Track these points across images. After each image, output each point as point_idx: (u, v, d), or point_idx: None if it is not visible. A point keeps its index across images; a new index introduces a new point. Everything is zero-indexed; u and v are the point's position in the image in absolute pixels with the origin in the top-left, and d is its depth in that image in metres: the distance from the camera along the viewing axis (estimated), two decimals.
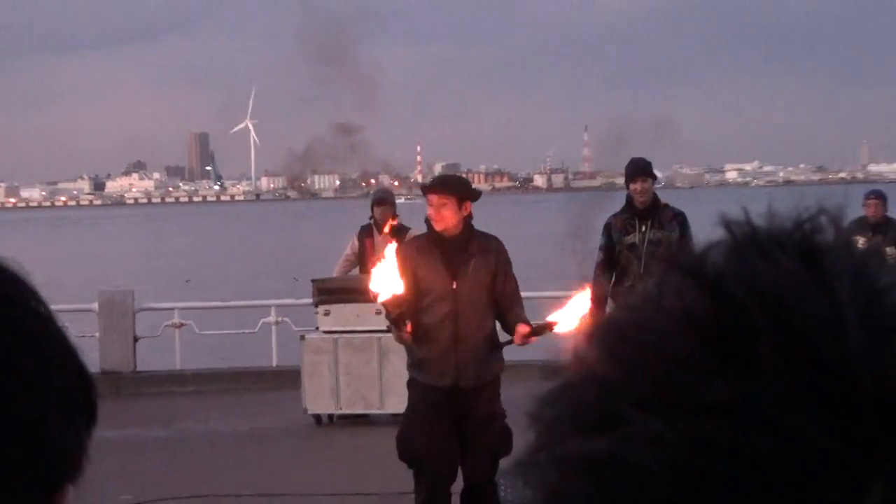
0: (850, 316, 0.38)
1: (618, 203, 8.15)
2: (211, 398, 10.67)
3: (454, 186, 5.67)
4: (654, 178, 8.08)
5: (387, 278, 5.35)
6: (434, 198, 5.47)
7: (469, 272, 5.44)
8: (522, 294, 5.94)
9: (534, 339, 5.42)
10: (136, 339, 11.51)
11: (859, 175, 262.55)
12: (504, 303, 5.57)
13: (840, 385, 0.37)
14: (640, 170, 7.82)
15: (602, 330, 0.43)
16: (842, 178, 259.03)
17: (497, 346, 5.62)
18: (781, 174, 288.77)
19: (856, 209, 9.21)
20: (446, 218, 5.43)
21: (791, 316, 0.38)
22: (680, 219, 7.83)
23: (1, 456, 0.65)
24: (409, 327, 5.35)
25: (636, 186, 7.70)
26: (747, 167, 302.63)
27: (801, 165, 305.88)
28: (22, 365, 0.67)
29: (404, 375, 5.94)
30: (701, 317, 0.39)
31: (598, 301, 6.34)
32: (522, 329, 5.43)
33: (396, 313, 5.36)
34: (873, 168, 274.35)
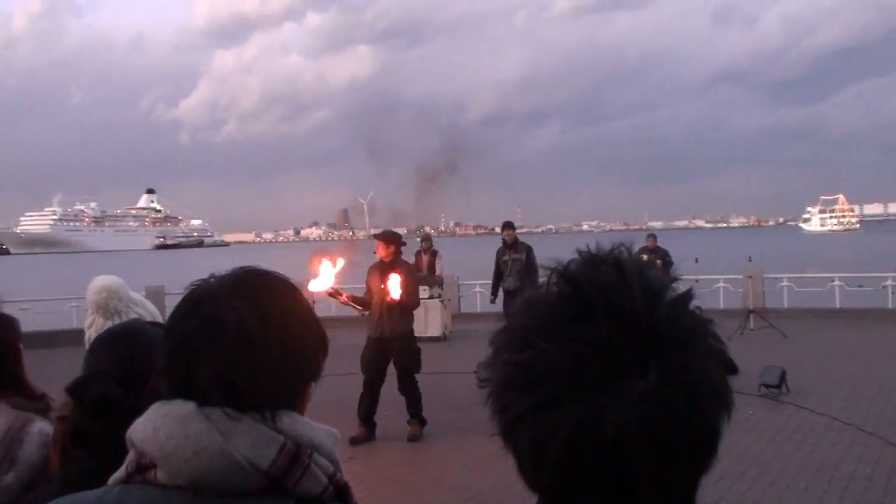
0: (636, 290, 0.87)
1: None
2: None
3: (388, 237, 9.86)
4: (514, 228, 14.94)
5: (323, 280, 8.75)
6: (378, 243, 9.85)
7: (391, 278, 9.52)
8: None
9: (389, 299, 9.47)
10: None
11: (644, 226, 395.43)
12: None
13: (633, 322, 0.85)
14: (506, 225, 14.93)
15: (523, 301, 0.94)
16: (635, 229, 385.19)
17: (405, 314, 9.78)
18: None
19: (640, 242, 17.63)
20: (380, 252, 9.75)
21: (608, 294, 0.87)
22: (527, 247, 14.41)
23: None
24: (344, 297, 9.26)
25: (507, 232, 14.73)
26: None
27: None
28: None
29: None
30: (566, 295, 0.90)
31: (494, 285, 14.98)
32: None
33: (332, 292, 9.02)
34: (651, 224, 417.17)
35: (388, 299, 9.46)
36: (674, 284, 0.92)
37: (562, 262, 0.94)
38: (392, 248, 9.75)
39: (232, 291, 1.37)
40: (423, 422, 9.75)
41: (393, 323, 9.61)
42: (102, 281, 3.43)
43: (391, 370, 9.83)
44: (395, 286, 9.43)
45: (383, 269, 9.68)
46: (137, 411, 1.43)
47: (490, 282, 15.74)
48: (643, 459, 0.83)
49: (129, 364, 1.87)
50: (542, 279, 0.95)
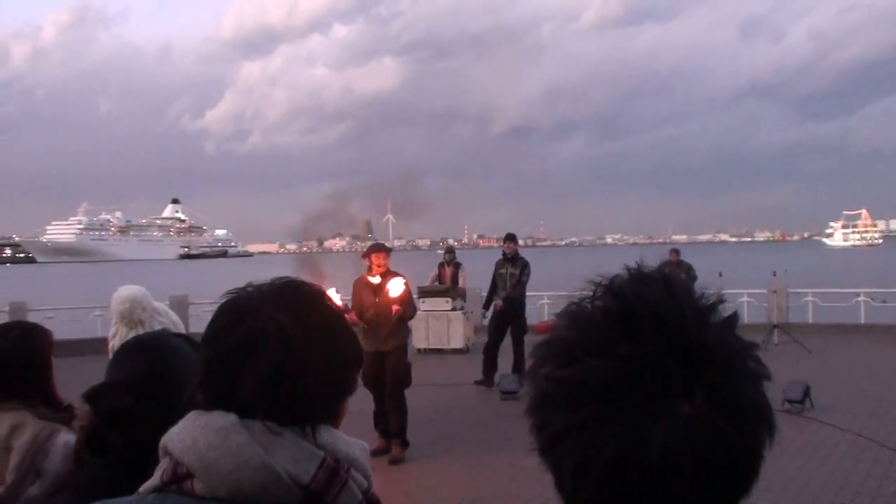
0: (686, 310, 0.87)
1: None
2: None
3: (381, 247, 9.83)
4: (516, 241, 14.18)
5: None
6: (374, 255, 9.65)
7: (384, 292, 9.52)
8: None
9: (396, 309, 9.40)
10: None
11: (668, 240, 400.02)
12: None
13: (682, 343, 0.84)
14: (508, 237, 14.10)
15: (568, 314, 0.92)
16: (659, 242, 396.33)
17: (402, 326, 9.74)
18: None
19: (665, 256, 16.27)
20: (378, 263, 9.58)
21: (658, 312, 0.86)
22: (524, 262, 13.69)
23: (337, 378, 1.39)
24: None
25: (508, 245, 13.98)
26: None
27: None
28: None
29: None
30: (613, 310, 0.88)
31: (489, 298, 14.12)
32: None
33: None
34: (675, 237, 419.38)
35: (394, 308, 9.36)
36: (722, 305, 0.91)
37: (605, 277, 0.93)
38: (388, 260, 9.71)
39: (273, 303, 1.37)
40: (406, 443, 9.43)
41: (391, 335, 9.47)
42: (126, 291, 3.46)
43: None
44: (397, 287, 9.38)
45: (375, 282, 9.58)
46: (155, 421, 1.44)
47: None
48: (687, 482, 0.82)
49: (151, 374, 1.88)
50: (583, 292, 0.93)
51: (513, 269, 13.65)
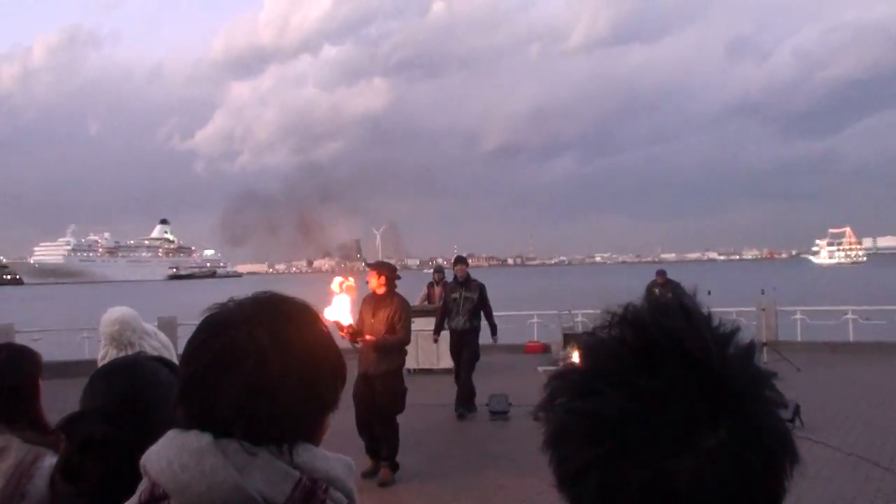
0: (707, 340, 0.85)
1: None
2: None
3: (379, 267, 9.61)
4: (467, 263, 13.60)
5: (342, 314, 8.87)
6: (370, 272, 9.57)
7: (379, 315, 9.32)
8: None
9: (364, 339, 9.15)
10: None
11: (657, 258, 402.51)
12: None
13: (704, 375, 0.83)
14: (458, 259, 13.76)
15: (585, 345, 0.90)
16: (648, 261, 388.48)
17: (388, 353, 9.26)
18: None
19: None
20: (371, 282, 9.44)
21: (680, 343, 0.85)
22: (480, 285, 13.06)
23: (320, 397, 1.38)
24: (344, 331, 8.83)
25: (459, 268, 13.33)
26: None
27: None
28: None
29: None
30: (633, 341, 0.87)
31: (439, 323, 13.32)
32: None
33: (350, 331, 8.97)
34: (664, 256, 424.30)
35: (367, 336, 9.12)
36: (739, 333, 0.90)
37: (622, 306, 0.91)
38: (383, 279, 9.35)
39: (251, 319, 1.36)
40: (395, 466, 9.27)
41: (380, 359, 9.20)
42: (116, 313, 3.44)
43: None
44: (342, 313, 8.92)
45: (375, 301, 9.37)
46: (129, 449, 1.43)
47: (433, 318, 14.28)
48: None
49: (125, 401, 1.87)
50: (602, 322, 0.91)
51: (467, 293, 12.95)
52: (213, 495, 1.24)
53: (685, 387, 0.83)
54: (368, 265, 9.84)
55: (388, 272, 9.48)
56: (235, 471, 1.25)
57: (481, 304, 12.95)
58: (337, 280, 9.09)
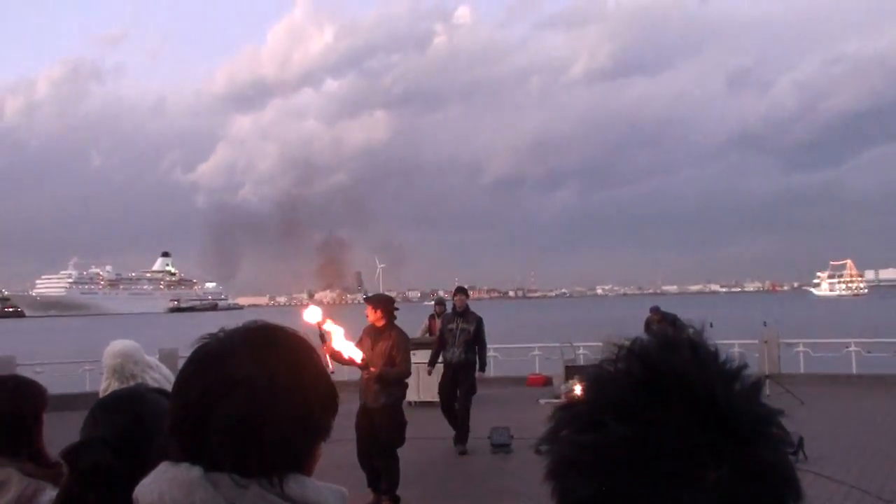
0: (714, 377, 0.86)
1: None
2: None
3: (375, 301, 9.64)
4: (467, 294, 13.49)
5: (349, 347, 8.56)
6: (367, 307, 9.61)
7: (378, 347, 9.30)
8: None
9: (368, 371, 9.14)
10: None
11: (658, 290, 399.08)
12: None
13: (709, 410, 0.83)
14: (458, 290, 13.46)
15: (591, 377, 0.90)
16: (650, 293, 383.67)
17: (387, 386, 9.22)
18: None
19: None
20: (370, 316, 9.45)
21: (686, 379, 0.84)
22: (477, 318, 12.69)
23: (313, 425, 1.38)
24: (326, 346, 8.13)
25: (458, 298, 13.17)
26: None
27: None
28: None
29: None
30: (640, 376, 0.86)
31: (434, 355, 13.10)
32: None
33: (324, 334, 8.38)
34: (665, 287, 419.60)
35: (371, 370, 9.07)
36: (746, 369, 0.90)
37: (628, 340, 0.92)
38: (379, 313, 9.37)
39: (241, 350, 1.36)
40: (396, 500, 9.23)
41: (379, 392, 9.19)
42: (118, 346, 3.45)
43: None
44: (347, 344, 8.50)
45: (374, 333, 9.34)
46: (131, 481, 1.43)
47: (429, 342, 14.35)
48: None
49: (127, 432, 1.87)
50: (608, 356, 0.92)
51: (464, 324, 12.59)
52: None
53: (690, 422, 0.83)
54: (366, 299, 9.73)
55: (385, 305, 9.47)
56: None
57: (476, 337, 12.62)
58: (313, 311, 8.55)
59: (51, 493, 2.61)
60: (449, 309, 14.28)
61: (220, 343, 1.39)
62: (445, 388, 12.58)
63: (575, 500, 0.86)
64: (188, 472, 1.28)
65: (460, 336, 12.52)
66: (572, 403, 0.91)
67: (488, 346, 13.35)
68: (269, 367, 1.34)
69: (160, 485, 1.29)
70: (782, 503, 0.85)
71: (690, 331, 0.92)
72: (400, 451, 9.39)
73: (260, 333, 1.42)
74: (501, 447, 11.83)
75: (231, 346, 1.38)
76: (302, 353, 1.43)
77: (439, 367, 13.11)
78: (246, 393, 1.31)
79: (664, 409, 0.83)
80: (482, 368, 12.93)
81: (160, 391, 2.15)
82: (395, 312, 9.53)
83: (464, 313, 12.73)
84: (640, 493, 0.81)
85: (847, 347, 20.27)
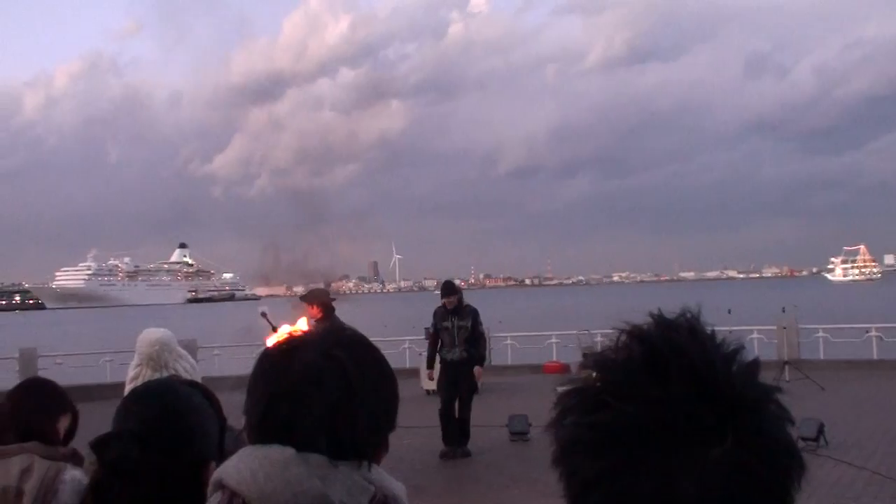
0: (712, 355, 0.87)
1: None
2: None
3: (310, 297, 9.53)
4: (456, 291, 12.17)
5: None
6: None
7: None
8: None
9: None
10: None
11: (675, 277, 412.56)
12: None
13: (710, 386, 0.84)
14: (448, 289, 12.12)
15: (594, 361, 0.91)
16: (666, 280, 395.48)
17: None
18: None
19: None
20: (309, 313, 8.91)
21: (686, 356, 0.86)
22: (473, 311, 11.82)
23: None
24: None
25: (448, 299, 11.90)
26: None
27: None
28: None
29: None
30: (641, 356, 0.88)
31: (431, 355, 12.34)
32: None
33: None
34: (682, 274, 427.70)
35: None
36: (743, 350, 0.92)
37: (630, 323, 0.93)
38: (316, 308, 9.34)
39: (324, 342, 1.44)
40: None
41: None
42: (155, 333, 3.42)
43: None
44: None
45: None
46: (161, 475, 1.44)
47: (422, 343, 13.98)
48: None
49: (160, 424, 1.86)
50: (607, 340, 0.94)
51: (460, 321, 11.68)
52: (297, 503, 1.30)
53: (691, 398, 0.84)
54: (301, 298, 9.70)
55: (320, 299, 9.57)
56: (319, 481, 1.31)
57: (474, 332, 11.76)
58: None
59: (72, 471, 2.63)
60: (467, 300, 13.06)
61: (301, 337, 1.49)
62: (449, 388, 11.75)
63: (581, 480, 0.87)
64: (281, 452, 1.33)
65: (458, 334, 11.69)
66: (575, 389, 0.92)
67: (505, 334, 13.08)
68: (356, 357, 1.43)
69: (251, 463, 1.34)
70: (787, 475, 0.87)
71: (687, 314, 0.93)
72: (419, 441, 9.43)
73: (336, 331, 1.52)
74: (519, 435, 11.85)
75: (313, 339, 1.46)
76: (373, 347, 1.53)
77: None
78: (341, 379, 1.38)
79: (666, 387, 0.85)
80: (481, 363, 12.10)
81: (192, 383, 2.16)
82: (333, 304, 9.67)
83: (457, 310, 11.83)
84: (645, 469, 0.82)
85: (867, 333, 20.17)
